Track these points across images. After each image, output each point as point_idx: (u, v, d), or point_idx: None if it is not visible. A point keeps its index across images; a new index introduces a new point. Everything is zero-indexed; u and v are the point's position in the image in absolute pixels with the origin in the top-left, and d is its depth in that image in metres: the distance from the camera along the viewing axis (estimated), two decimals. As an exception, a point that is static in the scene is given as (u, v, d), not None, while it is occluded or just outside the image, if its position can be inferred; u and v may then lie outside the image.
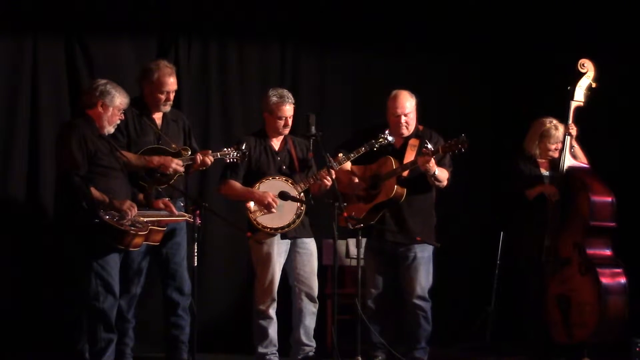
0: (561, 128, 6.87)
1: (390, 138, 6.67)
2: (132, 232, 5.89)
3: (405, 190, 6.65)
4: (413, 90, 6.81)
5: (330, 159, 6.56)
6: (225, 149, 6.61)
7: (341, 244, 7.67)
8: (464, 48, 8.23)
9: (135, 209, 5.99)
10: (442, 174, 6.65)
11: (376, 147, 6.66)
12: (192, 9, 7.72)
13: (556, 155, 6.89)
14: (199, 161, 6.49)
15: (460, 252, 7.91)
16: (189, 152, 6.53)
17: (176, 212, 6.29)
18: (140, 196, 6.24)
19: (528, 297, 6.90)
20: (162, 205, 6.24)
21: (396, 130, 6.75)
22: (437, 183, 6.66)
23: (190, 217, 6.13)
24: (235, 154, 6.58)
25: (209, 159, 6.52)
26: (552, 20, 7.99)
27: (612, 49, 7.46)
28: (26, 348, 7.10)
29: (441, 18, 8.17)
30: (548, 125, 6.91)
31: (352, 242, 7.45)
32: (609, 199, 6.74)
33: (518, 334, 7.23)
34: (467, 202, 8.01)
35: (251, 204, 6.63)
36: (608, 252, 6.76)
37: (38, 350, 7.10)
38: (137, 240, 5.97)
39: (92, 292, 5.98)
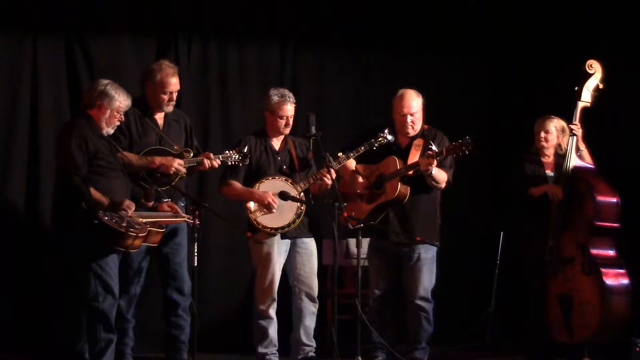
0: (552, 120, 6.89)
1: (389, 137, 6.67)
2: (131, 234, 5.88)
3: (409, 190, 6.65)
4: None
5: (330, 158, 6.56)
6: (227, 152, 6.60)
7: (341, 243, 7.67)
8: (464, 48, 8.23)
9: (133, 207, 5.98)
10: (440, 175, 6.63)
11: (375, 146, 6.65)
12: (192, 9, 7.72)
13: (543, 144, 6.90)
14: (207, 166, 6.49)
15: (461, 252, 7.91)
16: (191, 154, 6.53)
17: (182, 213, 6.29)
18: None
19: (529, 297, 6.90)
20: (167, 208, 6.24)
21: (402, 129, 6.75)
22: (433, 184, 6.65)
23: (189, 218, 6.12)
24: (236, 157, 6.58)
25: (217, 163, 6.52)
26: (553, 20, 7.99)
27: (612, 49, 7.46)
28: (26, 348, 7.10)
29: (441, 18, 8.17)
30: (539, 118, 6.93)
31: (352, 242, 7.44)
32: (614, 200, 6.75)
33: (518, 334, 7.23)
34: (467, 202, 8.00)
35: (251, 204, 6.62)
36: (612, 252, 6.76)
37: (38, 350, 7.10)
38: (136, 242, 5.96)
39: (91, 293, 5.97)
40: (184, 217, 6.28)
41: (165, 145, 6.50)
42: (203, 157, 6.51)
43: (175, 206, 6.30)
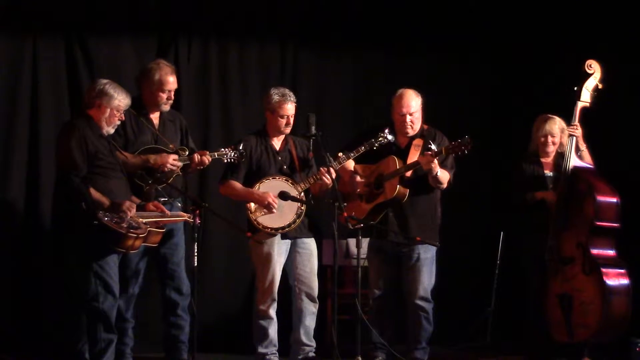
0: (556, 122, 6.89)
1: (390, 137, 6.66)
2: (131, 235, 5.87)
3: (408, 190, 6.64)
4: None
5: (330, 158, 6.56)
6: (222, 149, 6.60)
7: (341, 244, 7.67)
8: (464, 48, 8.23)
9: (134, 208, 5.97)
10: (443, 176, 6.63)
11: (376, 146, 6.65)
12: (192, 9, 7.72)
13: (549, 148, 6.90)
14: (197, 160, 6.48)
15: (461, 252, 7.91)
16: (187, 152, 6.53)
17: (168, 213, 6.27)
18: (136, 199, 6.21)
19: (529, 297, 6.90)
20: (153, 208, 6.20)
21: (401, 129, 6.75)
22: (437, 184, 6.65)
23: (189, 217, 6.12)
24: (232, 154, 6.58)
25: (207, 159, 6.52)
26: (553, 20, 7.99)
27: (612, 49, 7.46)
28: (26, 348, 7.09)
29: (441, 18, 8.17)
30: (539, 118, 6.93)
31: (352, 242, 7.43)
32: (615, 200, 6.74)
33: (518, 334, 7.23)
34: (468, 203, 8.00)
35: (251, 204, 6.62)
36: (612, 252, 6.75)
37: (38, 350, 7.10)
38: (137, 243, 5.95)
39: (91, 293, 5.97)
40: (183, 216, 6.28)
41: (160, 144, 6.51)
42: (195, 153, 6.51)
43: (161, 205, 6.26)
